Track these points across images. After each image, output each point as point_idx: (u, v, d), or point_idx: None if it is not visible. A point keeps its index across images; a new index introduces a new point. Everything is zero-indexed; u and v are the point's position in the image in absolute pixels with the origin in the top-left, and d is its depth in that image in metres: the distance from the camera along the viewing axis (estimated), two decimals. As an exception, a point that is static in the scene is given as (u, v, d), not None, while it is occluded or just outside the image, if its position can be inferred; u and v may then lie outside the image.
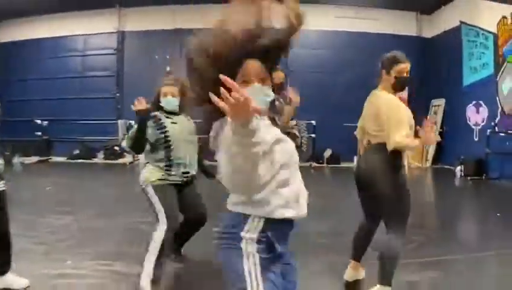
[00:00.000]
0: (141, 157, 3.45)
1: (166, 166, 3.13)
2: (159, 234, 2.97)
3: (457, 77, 11.08)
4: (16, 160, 11.45)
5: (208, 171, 3.54)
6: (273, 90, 1.52)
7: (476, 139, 10.30)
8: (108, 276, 3.37)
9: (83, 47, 13.12)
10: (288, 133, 1.56)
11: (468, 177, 9.42)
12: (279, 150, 1.44)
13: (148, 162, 3.23)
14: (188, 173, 3.22)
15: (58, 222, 5.01)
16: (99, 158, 12.48)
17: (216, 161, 1.48)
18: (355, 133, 3.26)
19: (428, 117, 2.55)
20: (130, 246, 4.11)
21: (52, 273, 3.36)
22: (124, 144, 3.21)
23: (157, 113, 3.21)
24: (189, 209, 3.29)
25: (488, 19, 9.82)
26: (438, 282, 3.39)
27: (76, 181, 8.76)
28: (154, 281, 2.88)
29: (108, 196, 7.16)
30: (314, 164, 11.48)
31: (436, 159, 11.61)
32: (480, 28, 10.20)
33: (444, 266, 3.74)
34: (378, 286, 2.78)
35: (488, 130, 9.59)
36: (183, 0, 12.22)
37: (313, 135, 11.39)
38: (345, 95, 10.88)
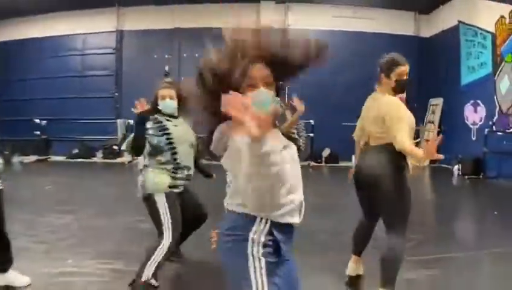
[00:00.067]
0: (140, 159, 3.39)
1: (173, 169, 3.09)
2: (162, 248, 2.91)
3: (455, 76, 11.12)
4: (15, 159, 11.46)
5: (204, 171, 3.55)
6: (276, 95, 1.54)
7: (474, 139, 10.33)
8: (109, 274, 3.39)
9: (82, 46, 13.12)
10: (289, 138, 1.58)
11: (466, 176, 9.47)
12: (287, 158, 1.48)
13: (146, 165, 3.16)
14: (190, 175, 3.23)
15: (58, 221, 5.03)
16: (98, 157, 12.49)
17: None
18: (353, 136, 3.27)
19: (440, 136, 2.57)
20: (130, 245, 4.14)
21: (53, 272, 3.38)
22: (124, 147, 3.18)
23: (156, 115, 3.17)
24: (189, 210, 3.28)
25: (486, 18, 9.85)
26: (436, 280, 3.42)
27: (75, 180, 8.77)
28: (151, 284, 2.87)
29: (108, 195, 7.18)
30: (313, 163, 11.51)
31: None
32: (478, 27, 10.23)
33: (442, 264, 3.77)
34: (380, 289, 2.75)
35: (486, 130, 9.63)
36: (182, 0, 12.24)
37: (312, 135, 11.41)
38: (343, 95, 10.91)
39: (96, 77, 12.91)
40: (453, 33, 11.20)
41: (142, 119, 3.04)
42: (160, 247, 2.91)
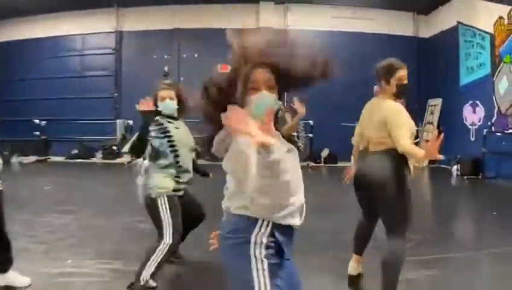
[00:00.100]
0: (139, 161, 3.35)
1: (176, 172, 3.08)
2: (163, 249, 2.91)
3: (454, 77, 11.15)
4: (15, 159, 11.44)
5: (200, 170, 3.54)
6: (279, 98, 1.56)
7: (473, 139, 10.36)
8: (108, 274, 3.39)
9: (82, 47, 13.15)
10: (289, 140, 1.59)
11: (465, 177, 9.49)
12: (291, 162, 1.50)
13: (148, 169, 3.15)
14: (191, 179, 3.23)
15: (57, 221, 5.03)
16: (98, 158, 12.50)
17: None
18: (352, 141, 3.27)
19: (441, 135, 2.55)
20: (130, 245, 4.15)
21: (52, 272, 3.38)
22: (126, 149, 3.15)
23: (158, 117, 3.15)
24: (188, 210, 3.26)
25: (485, 19, 9.88)
26: (436, 280, 3.43)
27: (74, 181, 8.77)
28: (150, 287, 2.87)
29: (107, 195, 7.18)
30: (312, 164, 11.52)
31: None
32: (477, 28, 10.26)
33: (441, 264, 3.78)
34: None
35: (485, 130, 9.66)
36: (181, 0, 12.25)
37: (311, 135, 11.44)
38: (342, 95, 10.91)
39: (96, 78, 12.92)
40: (452, 34, 11.23)
41: (146, 121, 3.02)
42: (160, 248, 2.90)
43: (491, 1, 9.63)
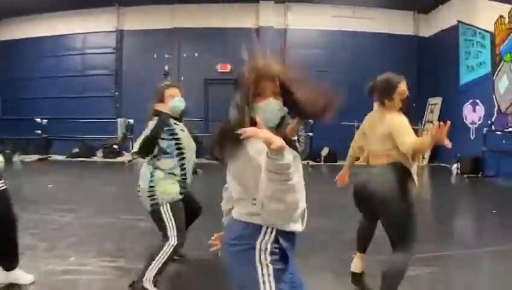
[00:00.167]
0: (140, 160, 3.29)
1: (181, 176, 3.05)
2: (167, 250, 2.89)
3: (454, 76, 11.15)
4: (16, 158, 11.48)
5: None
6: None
7: (473, 138, 10.38)
8: (111, 272, 3.42)
9: (82, 46, 13.15)
10: (289, 142, 1.61)
11: (465, 175, 9.51)
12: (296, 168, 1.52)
13: (153, 171, 3.02)
14: (191, 182, 3.22)
15: (59, 220, 5.05)
16: (98, 156, 12.53)
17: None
18: (350, 151, 3.28)
19: (448, 122, 2.52)
20: (131, 243, 4.18)
21: (56, 269, 3.42)
22: (135, 149, 3.00)
23: (162, 118, 3.06)
24: (187, 206, 3.23)
25: (485, 18, 9.88)
26: (436, 277, 3.46)
27: (76, 179, 8.80)
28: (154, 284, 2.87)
29: (108, 194, 7.21)
30: (312, 162, 11.54)
31: (433, 157, 11.69)
32: (477, 27, 10.27)
33: (441, 261, 3.81)
34: None
35: (485, 129, 9.68)
36: (182, 0, 12.26)
37: (311, 134, 11.45)
38: (342, 94, 10.90)
39: (97, 77, 12.94)
40: (452, 33, 11.23)
41: (165, 119, 2.99)
42: (165, 249, 2.90)
43: (492, 0, 9.64)
